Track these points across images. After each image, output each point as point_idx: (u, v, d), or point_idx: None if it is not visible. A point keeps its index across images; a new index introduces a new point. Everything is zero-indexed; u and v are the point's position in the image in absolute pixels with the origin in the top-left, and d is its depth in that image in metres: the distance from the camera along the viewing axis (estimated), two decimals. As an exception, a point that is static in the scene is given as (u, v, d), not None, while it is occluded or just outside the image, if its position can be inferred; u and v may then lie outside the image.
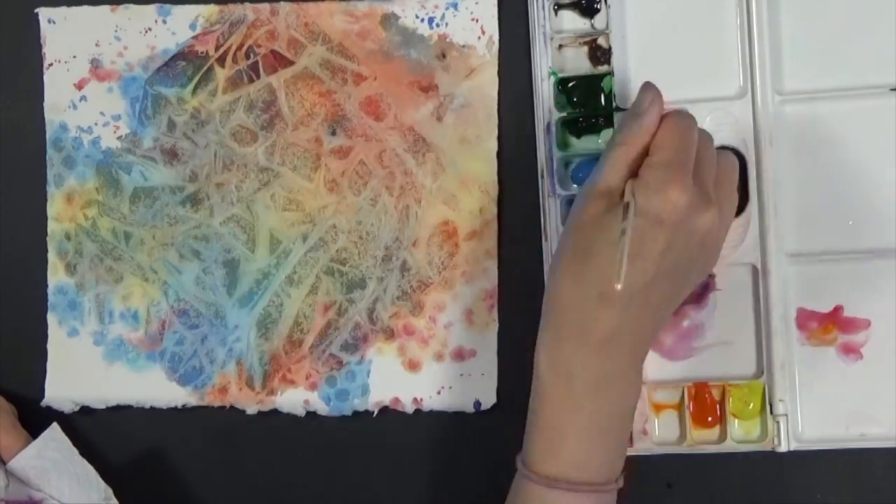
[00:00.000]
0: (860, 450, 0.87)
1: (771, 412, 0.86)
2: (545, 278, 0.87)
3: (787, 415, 0.86)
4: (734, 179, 0.81)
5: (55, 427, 0.89)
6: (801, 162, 0.87)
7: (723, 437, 0.87)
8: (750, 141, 0.86)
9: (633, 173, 0.75)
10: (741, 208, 0.86)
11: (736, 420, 0.87)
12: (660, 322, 0.78)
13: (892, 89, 0.85)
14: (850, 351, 0.87)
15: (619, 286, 0.69)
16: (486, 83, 0.90)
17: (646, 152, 0.75)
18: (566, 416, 0.76)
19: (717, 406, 0.87)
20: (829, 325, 0.87)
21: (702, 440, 0.88)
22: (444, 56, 0.90)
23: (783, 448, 0.86)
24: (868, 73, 0.86)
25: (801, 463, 0.88)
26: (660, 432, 0.88)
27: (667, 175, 0.73)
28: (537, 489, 0.76)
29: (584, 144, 0.88)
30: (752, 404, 0.87)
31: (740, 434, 0.88)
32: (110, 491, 0.88)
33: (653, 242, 0.72)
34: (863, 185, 0.86)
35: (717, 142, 0.86)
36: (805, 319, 0.87)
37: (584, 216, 0.75)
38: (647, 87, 0.77)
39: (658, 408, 0.88)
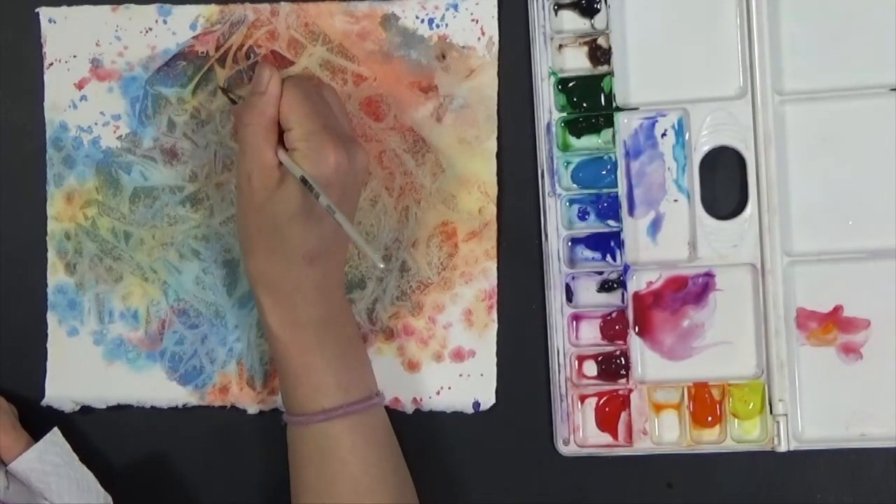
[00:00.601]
0: (860, 450, 0.87)
1: (771, 412, 0.86)
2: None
3: (786, 415, 0.86)
4: (341, 103, 0.86)
5: (56, 432, 0.88)
6: (801, 162, 0.87)
7: (723, 437, 0.87)
8: (750, 141, 0.86)
9: (276, 142, 0.80)
10: (741, 208, 0.86)
11: (736, 420, 0.87)
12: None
13: (892, 89, 0.85)
14: (850, 351, 0.87)
15: (381, 266, 0.78)
16: (486, 84, 0.90)
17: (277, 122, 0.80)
18: (314, 354, 0.82)
19: (717, 406, 0.87)
20: (829, 325, 0.87)
21: (702, 440, 0.88)
22: (443, 57, 0.90)
23: (783, 448, 0.86)
24: (868, 73, 0.86)
25: (801, 463, 0.88)
26: (660, 432, 0.88)
27: (316, 142, 0.78)
28: (316, 429, 0.82)
29: (584, 144, 0.88)
30: (752, 404, 0.87)
31: (740, 434, 0.88)
32: (109, 498, 0.88)
33: (331, 197, 0.78)
34: (863, 185, 0.86)
35: (717, 142, 0.87)
36: (805, 319, 0.87)
37: (256, 197, 0.80)
38: (263, 65, 0.81)
39: (658, 408, 0.88)
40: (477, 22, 0.89)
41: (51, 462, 0.87)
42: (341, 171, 0.78)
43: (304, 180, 0.77)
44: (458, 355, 0.90)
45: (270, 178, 0.79)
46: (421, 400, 0.90)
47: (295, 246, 0.80)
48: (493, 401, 0.90)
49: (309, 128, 0.79)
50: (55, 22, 0.92)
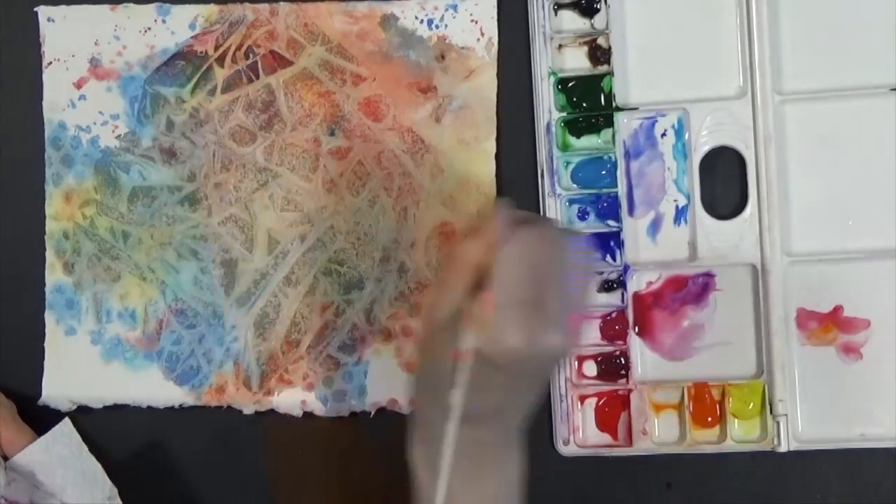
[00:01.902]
0: (860, 450, 0.87)
1: (771, 412, 0.86)
2: None
3: (786, 415, 0.86)
4: (582, 287, 0.73)
5: (66, 422, 0.89)
6: (801, 162, 0.87)
7: (723, 437, 0.87)
8: (750, 141, 0.86)
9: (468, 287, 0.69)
10: (741, 208, 0.87)
11: (736, 420, 0.87)
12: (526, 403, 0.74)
13: (892, 89, 0.85)
14: (850, 351, 0.87)
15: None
16: (485, 85, 0.90)
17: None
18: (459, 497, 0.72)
19: (717, 406, 0.87)
20: (828, 325, 0.87)
21: (702, 440, 0.88)
22: (443, 57, 0.90)
23: (783, 448, 0.86)
24: (868, 73, 0.86)
25: (801, 463, 0.88)
26: (660, 432, 0.88)
27: (506, 319, 0.66)
28: None
29: (583, 144, 0.88)
30: (751, 404, 0.87)
31: (740, 434, 0.88)
32: (115, 490, 0.88)
33: (493, 380, 0.68)
34: (863, 185, 0.86)
35: (717, 142, 0.87)
36: (805, 319, 0.87)
37: (426, 325, 0.72)
38: (501, 210, 0.70)
39: (658, 408, 0.88)
40: (476, 23, 0.89)
41: (58, 454, 0.87)
42: (520, 356, 0.66)
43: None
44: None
45: (443, 325, 0.69)
46: (418, 401, 0.90)
47: (453, 406, 0.69)
48: (490, 403, 0.90)
49: (508, 299, 0.66)
50: (54, 21, 0.92)
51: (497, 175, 0.89)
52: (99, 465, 0.89)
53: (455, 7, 0.89)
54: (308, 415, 0.91)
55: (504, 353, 0.66)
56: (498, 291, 0.66)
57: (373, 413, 0.91)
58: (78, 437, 0.89)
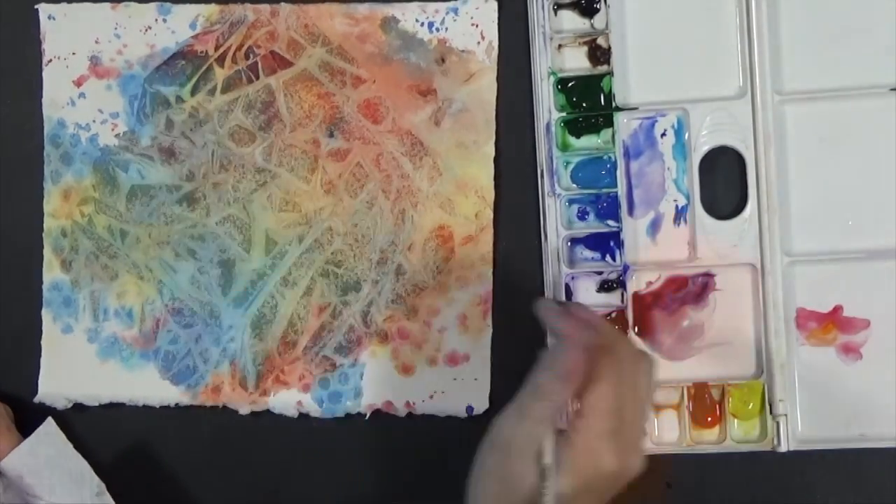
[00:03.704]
0: (860, 450, 0.87)
1: (771, 412, 0.86)
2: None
3: (786, 415, 0.86)
4: (653, 382, 0.78)
5: (50, 422, 0.88)
6: (801, 162, 0.87)
7: (722, 437, 0.87)
8: (750, 141, 0.86)
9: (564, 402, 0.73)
10: (741, 208, 0.86)
11: (736, 420, 0.87)
12: None
13: (892, 89, 0.86)
14: (850, 351, 0.87)
15: None
16: (485, 88, 0.90)
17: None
18: None
19: (717, 406, 0.87)
20: (828, 325, 0.87)
21: (701, 440, 0.88)
22: (443, 60, 0.90)
23: (783, 448, 0.86)
24: (868, 73, 0.86)
25: (801, 463, 0.87)
26: (660, 432, 0.88)
27: (597, 444, 0.71)
28: None
29: (583, 144, 0.88)
30: (751, 404, 0.87)
31: (740, 434, 0.87)
32: (103, 486, 0.88)
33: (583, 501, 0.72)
34: (863, 185, 0.86)
35: (717, 142, 0.87)
36: (805, 319, 0.87)
37: (504, 425, 0.74)
38: (568, 345, 0.74)
39: (658, 408, 0.88)
40: (477, 26, 0.89)
41: (43, 454, 0.87)
42: (606, 480, 0.72)
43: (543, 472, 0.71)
44: (453, 359, 0.90)
45: (528, 456, 0.72)
46: (414, 403, 0.90)
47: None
48: (486, 405, 0.90)
49: (600, 428, 0.72)
50: (54, 19, 0.92)
51: (497, 175, 0.89)
52: (85, 463, 0.88)
53: (456, 10, 0.90)
54: (303, 416, 0.91)
55: (594, 477, 0.71)
56: (591, 416, 0.71)
57: (368, 415, 0.90)
58: (63, 436, 0.89)
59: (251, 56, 0.91)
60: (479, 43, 0.90)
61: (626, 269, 0.88)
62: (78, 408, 0.92)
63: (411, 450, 0.91)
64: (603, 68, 0.88)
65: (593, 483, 0.71)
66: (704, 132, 0.87)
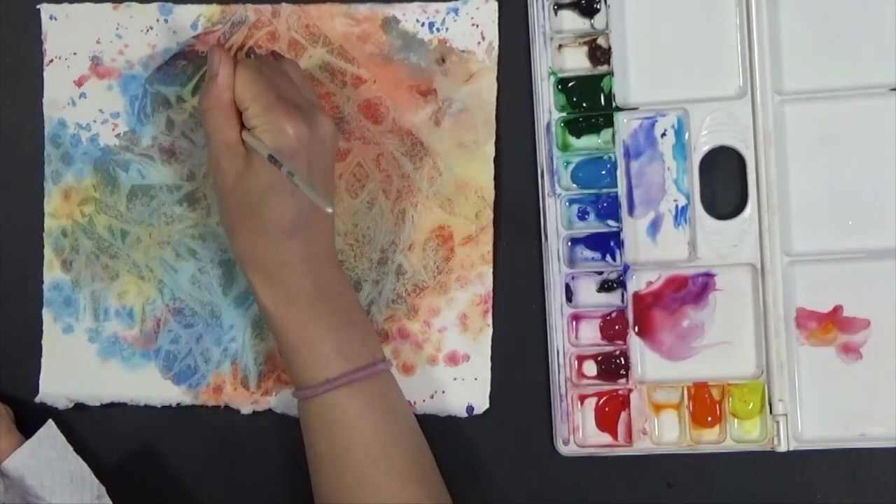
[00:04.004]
0: (860, 450, 0.87)
1: (771, 412, 0.86)
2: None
3: (786, 415, 0.86)
4: (303, 75, 0.86)
5: (50, 424, 0.88)
6: (801, 162, 0.87)
7: (722, 436, 0.87)
8: (750, 141, 0.86)
9: (237, 123, 0.81)
10: (741, 208, 0.87)
11: (736, 420, 0.87)
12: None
13: (892, 89, 0.86)
14: (850, 351, 0.87)
15: (329, 210, 0.77)
16: (485, 89, 0.90)
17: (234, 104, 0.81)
18: (310, 327, 0.82)
19: (717, 406, 0.87)
20: (828, 325, 0.87)
21: (702, 440, 0.88)
22: (443, 61, 0.90)
23: (783, 448, 0.86)
24: (868, 73, 0.86)
25: (801, 463, 0.87)
26: (660, 432, 0.88)
27: (270, 117, 0.79)
28: (323, 400, 0.81)
29: (583, 144, 0.88)
30: (751, 404, 0.87)
31: (740, 434, 0.87)
32: (103, 489, 0.88)
33: (300, 170, 0.79)
34: (863, 185, 0.86)
35: (717, 142, 0.87)
36: (805, 319, 0.87)
37: (227, 180, 0.81)
38: (213, 49, 0.82)
39: (658, 408, 0.88)
40: (477, 26, 0.89)
41: (44, 456, 0.86)
42: (303, 140, 0.79)
43: (270, 157, 0.78)
44: (453, 359, 0.90)
45: (236, 158, 0.81)
46: (414, 403, 0.90)
47: (273, 221, 0.80)
48: (486, 405, 0.90)
49: (263, 103, 0.79)
50: (56, 19, 0.92)
51: (497, 175, 0.90)
52: (85, 465, 0.88)
53: (456, 11, 0.90)
54: (305, 415, 0.91)
55: (288, 142, 0.79)
56: (251, 104, 0.80)
57: (369, 415, 0.90)
58: (63, 438, 0.88)
59: (252, 56, 0.91)
60: (479, 43, 0.90)
61: (626, 269, 0.88)
62: (79, 408, 0.92)
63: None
64: (603, 68, 0.88)
65: (296, 147, 0.79)
66: (704, 132, 0.87)
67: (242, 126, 0.81)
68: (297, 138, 0.79)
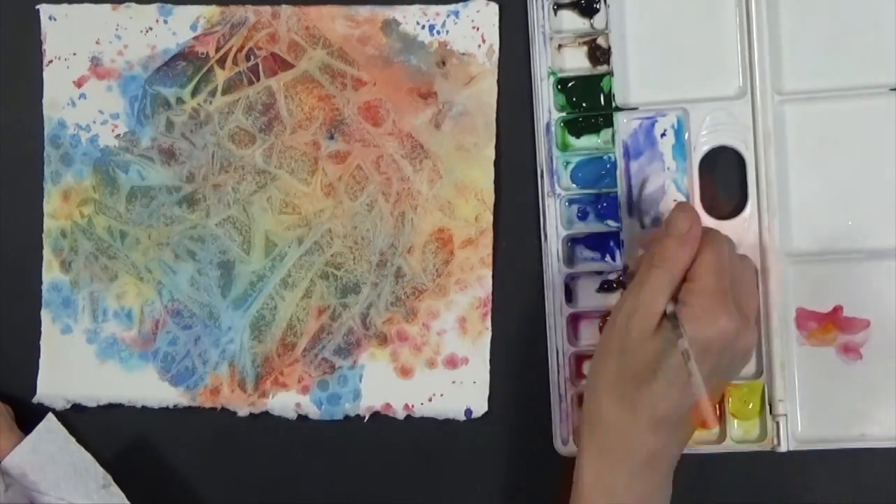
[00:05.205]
0: (860, 450, 0.87)
1: (770, 412, 0.86)
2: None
3: (786, 415, 0.86)
4: (756, 282, 0.84)
5: (51, 417, 0.88)
6: (801, 162, 0.87)
7: (722, 437, 0.87)
8: (750, 141, 0.86)
9: (673, 295, 0.76)
10: (741, 208, 0.87)
11: (736, 420, 0.87)
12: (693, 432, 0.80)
13: (892, 89, 0.86)
14: (850, 351, 0.86)
15: (711, 423, 0.72)
16: (485, 92, 0.90)
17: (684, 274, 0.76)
18: None
19: (717, 406, 0.87)
20: (828, 325, 0.87)
21: (702, 440, 0.87)
22: (443, 63, 0.90)
23: (783, 448, 0.86)
24: (868, 73, 0.86)
25: (801, 463, 0.87)
26: (659, 432, 0.88)
27: (713, 303, 0.74)
28: None
29: (583, 144, 0.88)
30: (751, 404, 0.87)
31: (740, 434, 0.87)
32: (109, 477, 0.88)
33: (701, 369, 0.73)
34: (863, 185, 0.86)
35: (717, 142, 0.87)
36: (805, 319, 0.87)
37: (628, 339, 0.76)
38: (684, 207, 0.78)
39: (657, 407, 0.88)
40: (478, 29, 0.90)
41: (46, 451, 0.86)
42: (725, 341, 0.74)
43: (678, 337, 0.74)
44: (452, 362, 0.90)
45: (650, 324, 0.75)
46: (413, 406, 0.90)
47: (647, 404, 0.75)
48: (485, 408, 0.90)
49: (714, 286, 0.74)
50: (55, 19, 0.92)
51: (496, 175, 0.89)
52: (89, 455, 0.88)
53: (457, 13, 0.90)
54: (302, 418, 0.91)
55: (713, 336, 0.73)
56: (702, 279, 0.74)
57: (367, 417, 0.90)
58: (64, 430, 0.88)
59: (252, 58, 0.91)
60: (479, 46, 0.90)
61: (626, 269, 0.88)
62: (77, 408, 0.92)
63: (410, 452, 0.90)
64: (603, 68, 0.88)
65: (713, 345, 0.73)
66: (704, 132, 0.87)
67: (672, 299, 0.76)
68: (722, 336, 0.73)
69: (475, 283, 0.90)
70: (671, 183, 0.88)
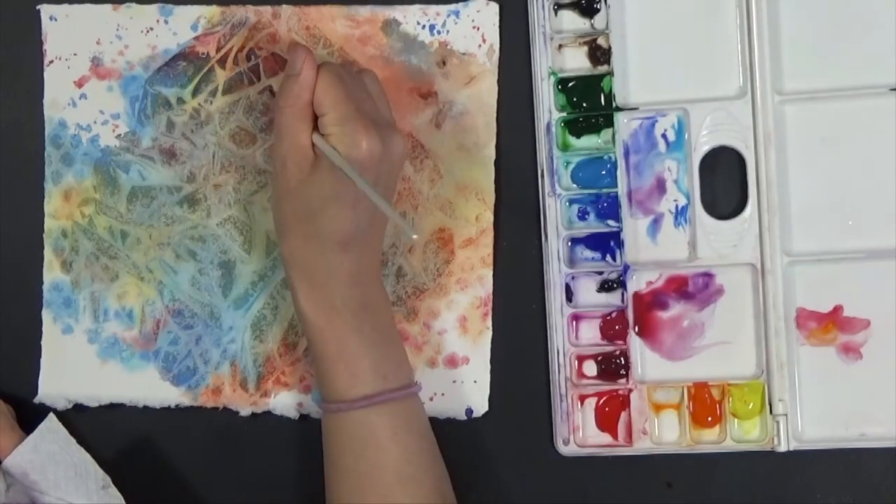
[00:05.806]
0: (860, 450, 0.87)
1: (771, 412, 0.86)
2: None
3: (786, 415, 0.86)
4: (381, 89, 0.85)
5: (52, 418, 0.88)
6: (801, 162, 0.87)
7: (722, 436, 0.87)
8: (750, 141, 0.86)
9: (311, 126, 0.81)
10: (741, 208, 0.87)
11: (736, 420, 0.87)
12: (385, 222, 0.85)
13: (892, 89, 0.86)
14: (850, 351, 0.87)
15: (414, 236, 0.80)
16: (486, 91, 0.90)
17: (312, 106, 0.81)
18: (351, 340, 0.81)
19: (717, 406, 0.87)
20: (828, 324, 0.87)
21: (702, 440, 0.88)
22: (444, 63, 0.90)
23: (783, 448, 0.86)
24: (868, 73, 0.86)
25: (801, 463, 0.87)
26: (660, 432, 0.88)
27: (349, 129, 0.78)
28: (355, 416, 0.81)
29: (583, 144, 0.88)
30: (751, 404, 0.87)
31: (740, 434, 0.87)
32: (108, 479, 0.88)
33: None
34: (863, 185, 0.86)
35: (717, 142, 0.87)
36: (805, 319, 0.87)
37: (291, 181, 0.80)
38: (296, 48, 0.81)
39: (658, 408, 0.88)
40: (478, 29, 0.90)
41: (47, 450, 0.87)
42: (375, 156, 0.78)
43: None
44: (452, 362, 0.90)
45: (305, 161, 0.80)
46: (413, 405, 0.90)
47: (329, 231, 0.79)
48: (486, 408, 0.90)
49: (342, 112, 0.79)
50: (56, 19, 0.92)
51: (497, 175, 0.90)
52: (89, 456, 0.88)
53: (457, 13, 0.90)
54: (304, 417, 0.91)
55: (366, 157, 0.78)
56: (330, 111, 0.79)
57: (368, 416, 0.90)
58: (65, 431, 0.88)
59: (252, 58, 0.91)
60: (480, 46, 0.90)
61: (626, 268, 0.88)
62: (78, 408, 0.92)
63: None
64: (603, 68, 0.88)
65: (366, 163, 0.78)
66: (704, 132, 0.87)
67: (314, 129, 0.80)
68: (370, 153, 0.78)
69: (476, 283, 0.90)
70: (672, 183, 0.88)
